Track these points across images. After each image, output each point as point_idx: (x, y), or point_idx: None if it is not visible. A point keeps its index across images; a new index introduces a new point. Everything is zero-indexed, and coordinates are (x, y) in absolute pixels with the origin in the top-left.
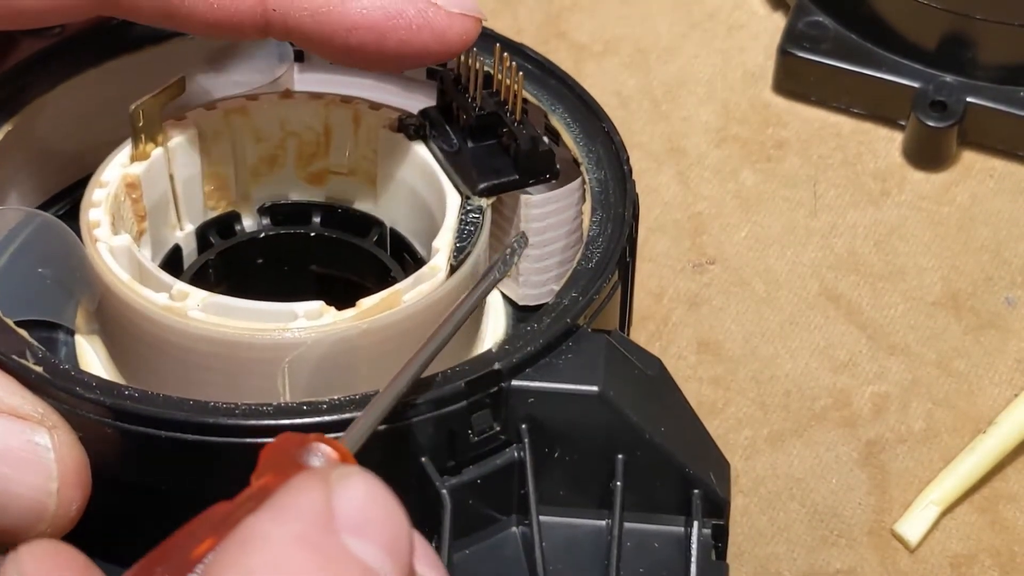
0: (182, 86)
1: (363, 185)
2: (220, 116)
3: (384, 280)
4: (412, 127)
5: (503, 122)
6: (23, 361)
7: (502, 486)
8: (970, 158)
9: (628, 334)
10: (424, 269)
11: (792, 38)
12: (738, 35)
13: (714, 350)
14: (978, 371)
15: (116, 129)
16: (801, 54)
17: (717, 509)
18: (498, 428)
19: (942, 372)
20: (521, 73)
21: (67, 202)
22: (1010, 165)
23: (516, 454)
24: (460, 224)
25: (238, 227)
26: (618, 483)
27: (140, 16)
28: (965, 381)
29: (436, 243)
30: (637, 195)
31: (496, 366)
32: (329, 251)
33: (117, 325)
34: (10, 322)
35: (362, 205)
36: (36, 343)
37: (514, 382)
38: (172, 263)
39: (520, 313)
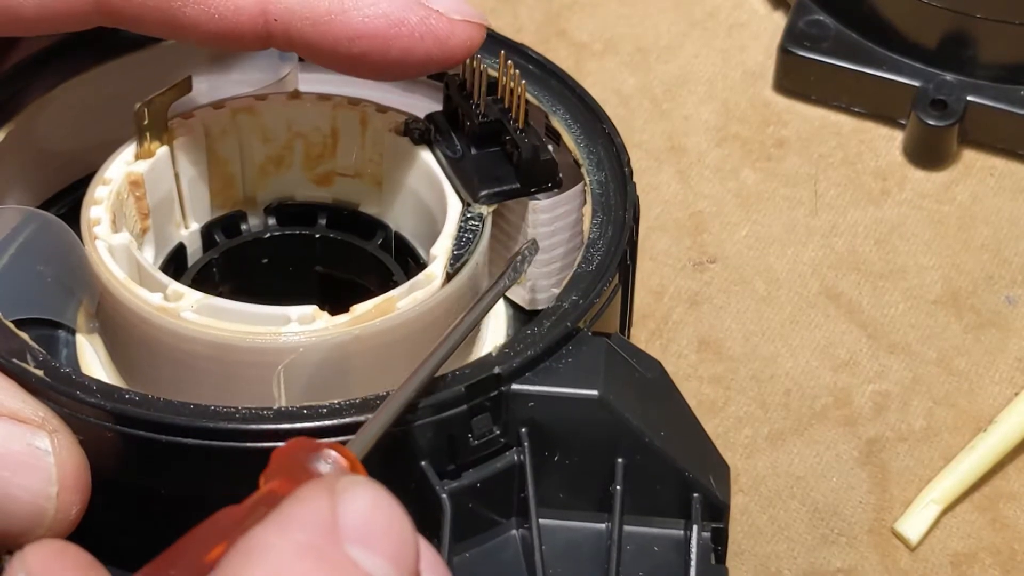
0: (188, 85)
1: (369, 187)
2: (227, 115)
3: (387, 283)
4: (417, 132)
5: (506, 130)
6: (24, 364)
7: (502, 489)
8: (970, 157)
9: (628, 335)
10: (420, 276)
11: (792, 37)
12: (738, 34)
13: (714, 349)
14: (979, 370)
15: (117, 128)
16: (802, 53)
17: (717, 512)
18: (498, 432)
19: (943, 371)
20: (524, 82)
21: (67, 202)
22: (1010, 164)
23: (516, 457)
24: (459, 231)
25: (244, 227)
26: (618, 487)
27: (141, 26)
28: (966, 380)
29: (434, 250)
30: (637, 197)
31: (496, 370)
32: (333, 253)
33: (114, 324)
34: (11, 325)
35: (368, 207)
36: (37, 346)
37: (514, 386)
38: (176, 261)
39: (520, 316)
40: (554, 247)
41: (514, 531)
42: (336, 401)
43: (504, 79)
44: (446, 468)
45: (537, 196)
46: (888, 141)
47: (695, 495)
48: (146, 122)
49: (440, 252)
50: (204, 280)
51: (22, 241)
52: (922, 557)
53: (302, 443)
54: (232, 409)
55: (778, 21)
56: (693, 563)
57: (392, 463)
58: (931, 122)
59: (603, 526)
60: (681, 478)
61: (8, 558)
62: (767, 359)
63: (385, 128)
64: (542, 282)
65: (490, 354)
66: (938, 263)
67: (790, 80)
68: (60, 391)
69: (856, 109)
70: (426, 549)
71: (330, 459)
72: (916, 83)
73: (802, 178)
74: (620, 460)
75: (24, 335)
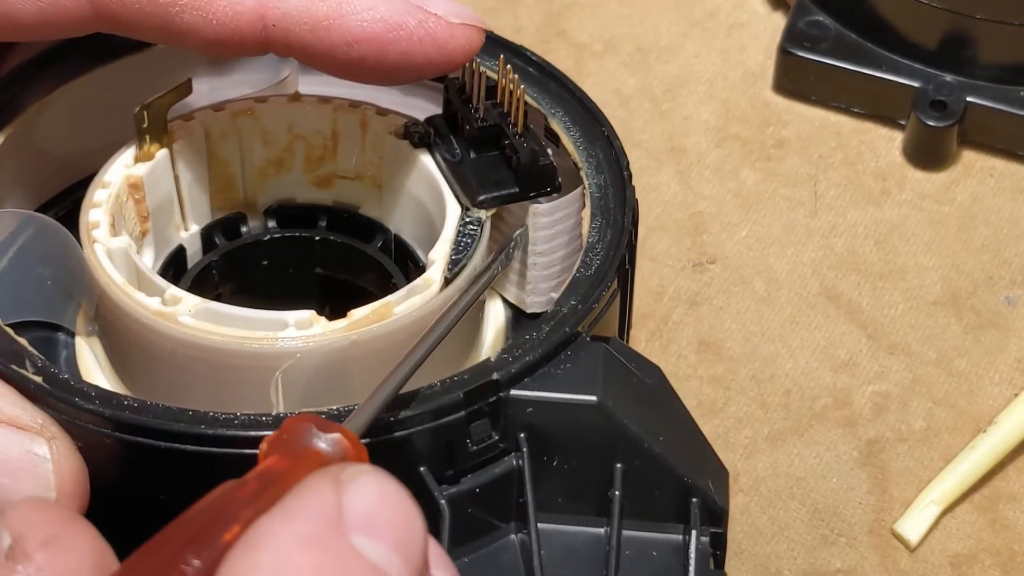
0: (188, 87)
1: (370, 190)
2: (228, 118)
3: (386, 286)
4: (417, 135)
5: (505, 134)
6: (22, 371)
7: (501, 494)
8: (970, 157)
9: (628, 338)
10: (418, 281)
11: (792, 37)
12: (738, 34)
13: (714, 349)
14: (978, 370)
15: (116, 131)
16: (801, 53)
17: (716, 517)
18: (497, 437)
19: (942, 371)
20: (523, 87)
21: (66, 204)
22: (1010, 164)
23: (515, 463)
24: (458, 235)
25: (244, 229)
26: (616, 492)
27: (139, 33)
28: (965, 380)
29: (432, 254)
30: (636, 201)
31: (495, 376)
32: (333, 255)
33: (113, 328)
34: (10, 331)
35: (368, 210)
36: (36, 352)
37: (513, 391)
38: (176, 264)
39: (519, 319)
40: (553, 251)
41: (513, 536)
42: (334, 407)
43: (503, 83)
44: (445, 473)
45: (536, 200)
46: (888, 142)
47: (694, 500)
48: (146, 125)
49: (438, 257)
50: (204, 282)
51: (21, 244)
52: (922, 558)
53: (305, 419)
54: (231, 415)
55: (778, 21)
56: (692, 568)
57: (391, 469)
58: (931, 123)
59: (602, 531)
60: (680, 483)
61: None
62: (767, 360)
63: (385, 131)
64: (541, 285)
65: (489, 359)
66: (938, 264)
67: (790, 80)
68: (58, 397)
69: (856, 110)
70: (432, 544)
71: (331, 439)
72: (916, 84)
73: (802, 178)
74: (619, 465)
75: (23, 341)
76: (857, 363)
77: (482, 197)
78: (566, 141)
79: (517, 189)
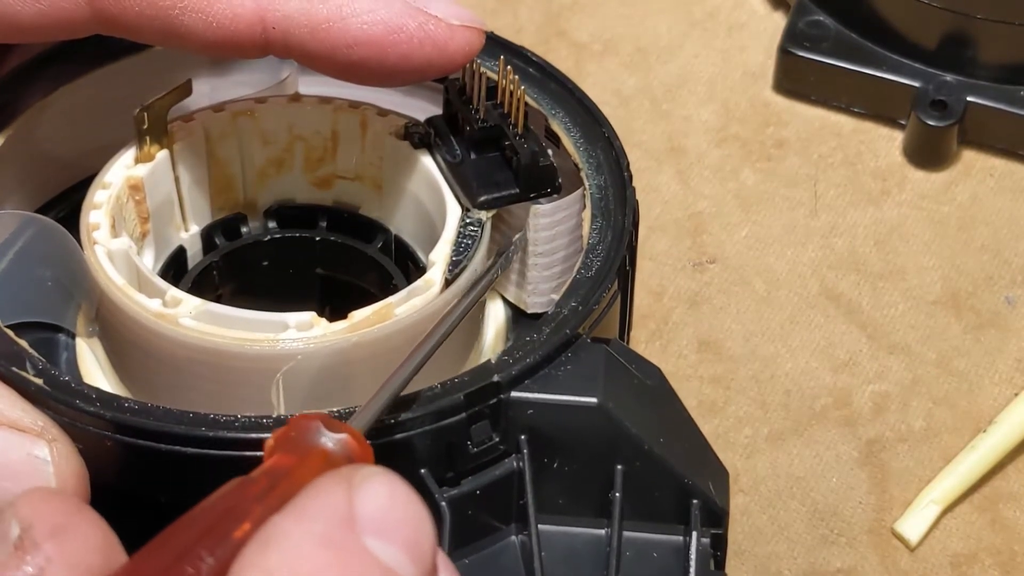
0: (188, 89)
1: (370, 190)
2: (227, 118)
3: (387, 286)
4: (417, 135)
5: (506, 135)
6: (23, 373)
7: (501, 496)
8: (970, 157)
9: (628, 339)
10: (419, 282)
11: (792, 37)
12: (738, 34)
13: (714, 349)
14: (978, 370)
15: (116, 132)
16: (801, 53)
17: (716, 518)
18: (497, 439)
19: (942, 371)
20: (524, 87)
21: (66, 205)
22: (1010, 164)
23: (515, 464)
24: (458, 237)
25: (244, 229)
26: (617, 494)
27: (139, 35)
28: (965, 380)
29: (433, 255)
30: (637, 202)
31: (495, 378)
32: (334, 256)
33: (113, 329)
34: (11, 333)
35: (368, 210)
36: (36, 354)
37: (513, 393)
38: (177, 264)
39: (519, 320)
40: (554, 251)
41: (513, 537)
42: (336, 409)
43: (504, 83)
44: (445, 475)
45: (537, 201)
46: (888, 141)
47: (694, 501)
48: (146, 126)
49: (439, 258)
50: (204, 283)
51: (21, 246)
52: (922, 558)
53: (312, 417)
54: (231, 418)
55: (778, 21)
56: (692, 569)
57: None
58: (931, 122)
59: (602, 532)
60: (680, 484)
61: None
62: (767, 359)
63: (385, 131)
64: (542, 286)
65: (489, 361)
66: (938, 264)
67: (790, 80)
68: (59, 400)
69: (856, 109)
70: (439, 549)
71: (338, 438)
72: (916, 83)
73: (802, 179)
74: (619, 467)
75: (24, 343)
76: (857, 363)
77: (482, 198)
78: (566, 142)
79: (517, 190)
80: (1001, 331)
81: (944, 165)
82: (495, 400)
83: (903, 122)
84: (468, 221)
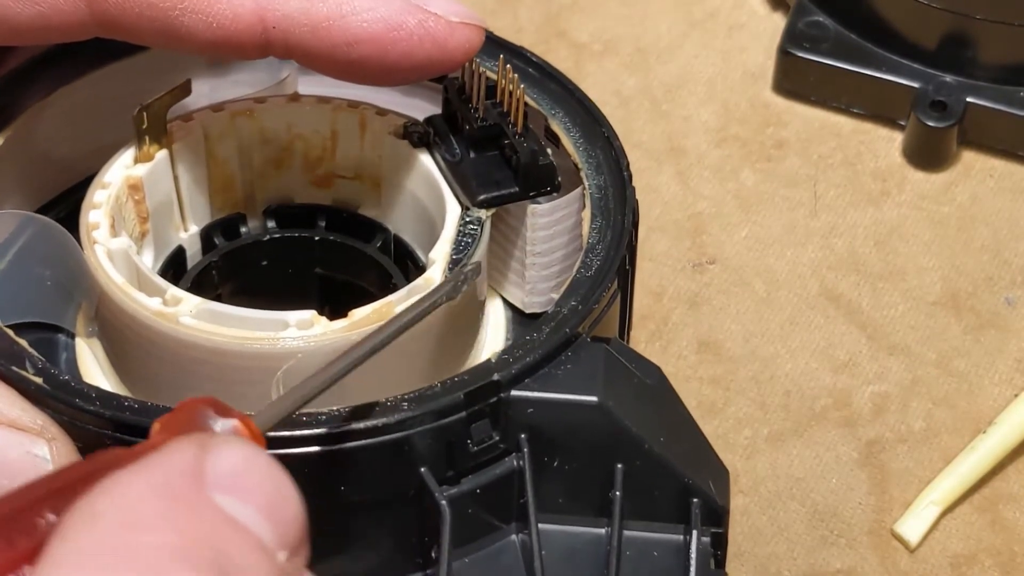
0: (187, 88)
1: (369, 190)
2: (227, 118)
3: (386, 286)
4: (416, 134)
5: (505, 134)
6: (23, 372)
7: (501, 495)
8: (970, 158)
9: (628, 338)
10: (418, 281)
11: (792, 38)
12: (738, 35)
13: (714, 350)
14: (978, 371)
15: (116, 132)
16: (801, 54)
17: (716, 517)
18: (497, 438)
19: (942, 372)
20: (523, 86)
21: (66, 205)
22: (1010, 165)
23: (515, 463)
24: (458, 235)
25: (243, 229)
26: (617, 493)
27: (138, 37)
28: (965, 381)
29: (432, 254)
30: (637, 202)
31: (495, 377)
32: (333, 255)
33: (113, 329)
34: (11, 332)
35: (368, 209)
36: (36, 353)
37: (513, 392)
38: (176, 264)
39: (518, 319)
40: (552, 251)
41: (514, 536)
42: (335, 408)
43: (503, 82)
44: (445, 474)
45: (536, 200)
46: (888, 142)
47: (694, 500)
48: (145, 126)
49: (439, 257)
50: (204, 282)
51: (21, 245)
52: (922, 558)
53: (202, 401)
54: None
55: (778, 22)
56: (693, 568)
57: (391, 470)
58: (931, 123)
59: (603, 531)
60: (680, 483)
61: None
62: (767, 360)
63: (384, 131)
64: (540, 285)
65: (489, 360)
66: (938, 264)
67: (790, 81)
68: (59, 399)
69: (856, 110)
70: None
71: (226, 424)
72: (916, 84)
73: (802, 179)
74: (620, 466)
75: (23, 342)
76: (857, 364)
77: (482, 197)
78: (566, 142)
79: (517, 189)
80: (1001, 332)
81: (944, 166)
82: (495, 399)
83: (903, 123)
84: (468, 220)
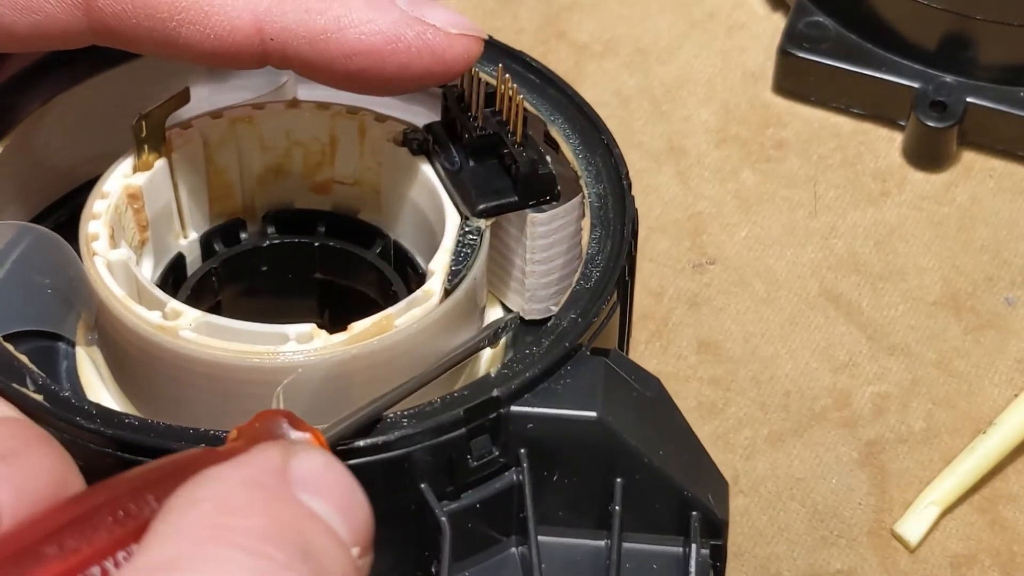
0: (186, 96)
1: (369, 195)
2: (226, 125)
3: (387, 292)
4: (416, 142)
5: (504, 143)
6: (23, 389)
7: (501, 509)
8: (970, 158)
9: (628, 347)
10: (418, 293)
11: (792, 38)
12: (738, 35)
13: (714, 350)
14: (978, 371)
15: (114, 138)
16: (801, 54)
17: (715, 530)
18: (497, 453)
19: (942, 372)
20: (522, 96)
21: (66, 210)
22: (1010, 165)
23: (515, 478)
24: (457, 245)
25: (243, 235)
26: (616, 507)
27: (136, 46)
28: (965, 381)
29: (432, 265)
30: (636, 211)
31: (495, 392)
32: (333, 261)
33: (113, 340)
34: (11, 348)
35: (367, 215)
36: (36, 370)
37: (513, 408)
38: (176, 271)
39: (519, 328)
40: (552, 258)
41: (514, 549)
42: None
43: (502, 90)
44: (445, 490)
45: (536, 209)
46: (888, 142)
47: (694, 513)
48: (144, 134)
49: (438, 268)
50: (204, 289)
51: (18, 255)
52: (922, 559)
53: (281, 414)
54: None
55: (777, 22)
56: None
57: (392, 485)
58: (931, 123)
59: (602, 543)
60: (680, 496)
61: None
62: (767, 360)
63: (383, 137)
64: (540, 293)
65: (489, 375)
66: (938, 264)
67: (790, 81)
68: (60, 416)
69: (856, 110)
70: None
71: (300, 436)
72: (916, 84)
73: (802, 179)
74: (619, 480)
75: (24, 358)
76: (857, 364)
77: (481, 206)
78: (565, 149)
79: (516, 198)
80: (1001, 332)
81: (944, 166)
82: (495, 414)
83: (903, 123)
84: (467, 229)
